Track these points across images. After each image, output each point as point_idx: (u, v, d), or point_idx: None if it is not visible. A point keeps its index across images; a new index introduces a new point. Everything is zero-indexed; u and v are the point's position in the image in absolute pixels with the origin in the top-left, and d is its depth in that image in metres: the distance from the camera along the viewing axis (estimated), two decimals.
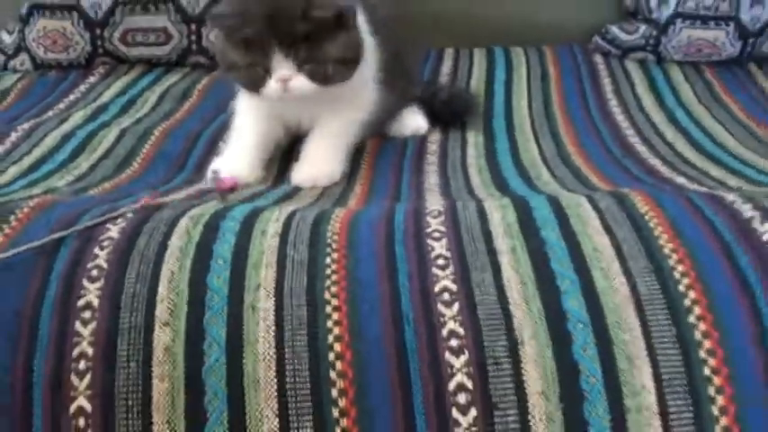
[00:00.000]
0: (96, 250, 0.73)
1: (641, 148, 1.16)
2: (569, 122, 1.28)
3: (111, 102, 1.35)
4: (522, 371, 0.65)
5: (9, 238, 0.75)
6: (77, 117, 1.26)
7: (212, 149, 1.14)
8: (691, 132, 1.23)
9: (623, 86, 1.44)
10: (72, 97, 1.40)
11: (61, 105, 1.36)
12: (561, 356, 0.65)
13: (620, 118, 1.30)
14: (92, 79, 1.49)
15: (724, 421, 0.64)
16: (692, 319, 0.67)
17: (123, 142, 1.15)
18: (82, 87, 1.45)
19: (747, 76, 1.50)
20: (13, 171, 1.06)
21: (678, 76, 1.48)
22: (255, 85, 1.01)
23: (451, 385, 0.64)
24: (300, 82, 0.99)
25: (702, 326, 0.66)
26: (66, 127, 1.21)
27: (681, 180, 0.99)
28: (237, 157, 1.07)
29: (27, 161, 1.09)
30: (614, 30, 1.60)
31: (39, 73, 1.53)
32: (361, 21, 1.05)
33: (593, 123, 1.28)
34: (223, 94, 1.33)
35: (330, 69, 0.99)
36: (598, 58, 1.58)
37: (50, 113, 1.31)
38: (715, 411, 0.64)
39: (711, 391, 0.64)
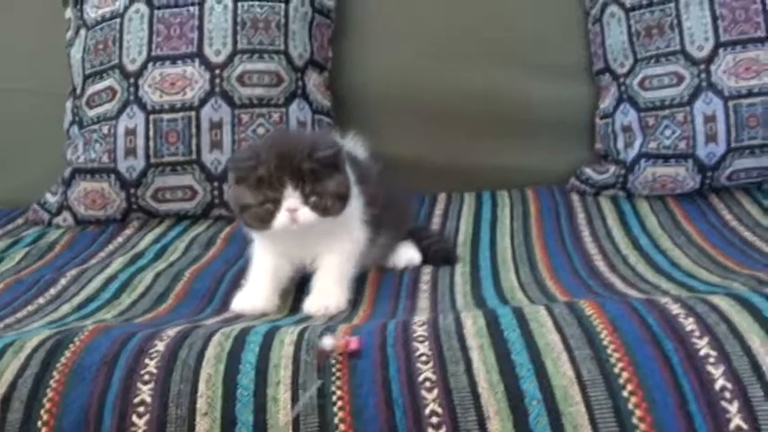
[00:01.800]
0: (147, 360, 0.91)
1: (604, 269, 1.34)
2: (545, 252, 1.46)
3: (146, 249, 1.54)
4: None
5: (75, 355, 0.93)
6: (118, 263, 1.45)
7: (235, 286, 1.32)
8: (651, 255, 1.41)
9: (596, 220, 1.63)
10: (111, 247, 1.60)
11: (102, 254, 1.56)
12: (519, 426, 0.82)
13: (590, 246, 1.48)
14: (127, 232, 1.69)
15: None
16: (625, 393, 0.84)
17: (159, 282, 1.34)
18: (119, 239, 1.65)
19: (708, 206, 1.68)
20: (65, 308, 1.24)
21: (645, 209, 1.67)
22: (266, 220, 1.18)
23: None
24: (305, 213, 1.17)
25: (634, 399, 0.83)
26: (108, 271, 1.40)
27: (632, 292, 1.17)
28: (256, 291, 1.25)
29: (76, 300, 1.28)
30: (588, 171, 1.80)
31: (80, 228, 1.74)
32: (348, 171, 1.25)
33: (566, 252, 1.46)
34: (241, 242, 1.55)
35: (329, 202, 1.18)
36: (575, 197, 1.78)
37: (93, 261, 1.50)
38: None
39: None
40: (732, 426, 0.82)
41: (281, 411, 0.84)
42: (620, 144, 1.78)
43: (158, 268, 1.41)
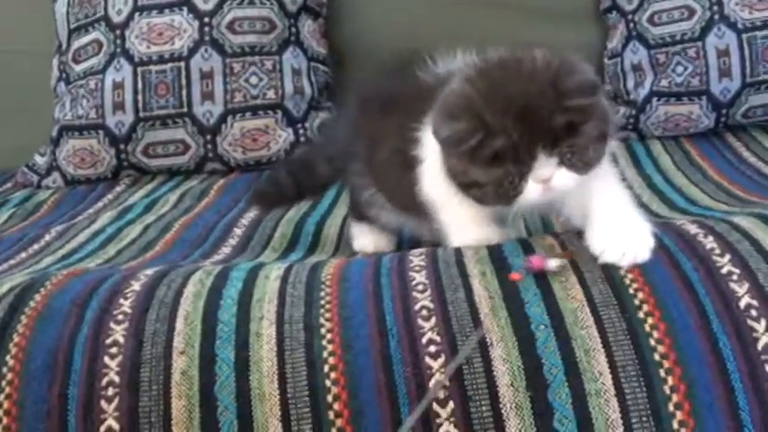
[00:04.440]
0: (121, 300, 0.84)
1: None
2: None
3: (135, 204, 1.47)
4: (493, 368, 0.74)
5: (45, 298, 0.86)
6: (105, 218, 1.38)
7: (228, 234, 1.25)
8: (665, 193, 1.33)
9: None
10: (100, 204, 1.53)
11: (90, 211, 1.49)
12: (526, 353, 0.75)
13: None
14: (118, 188, 1.62)
15: (675, 398, 0.72)
16: (641, 314, 0.76)
17: (147, 233, 1.27)
18: (109, 195, 1.58)
19: (724, 144, 1.59)
20: (47, 260, 1.17)
21: (658, 148, 1.59)
22: (506, 197, 0.86)
23: (431, 383, 0.74)
24: (563, 177, 0.85)
25: (651, 320, 0.76)
26: (95, 226, 1.33)
27: None
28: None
29: (60, 252, 1.21)
30: None
31: (69, 188, 1.67)
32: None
33: None
34: (237, 191, 1.48)
35: (590, 152, 0.86)
36: None
37: (80, 218, 1.44)
38: (666, 390, 0.73)
39: (662, 372, 0.73)
40: (761, 345, 0.74)
41: (265, 347, 0.77)
42: (630, 84, 1.70)
43: (147, 221, 1.34)
